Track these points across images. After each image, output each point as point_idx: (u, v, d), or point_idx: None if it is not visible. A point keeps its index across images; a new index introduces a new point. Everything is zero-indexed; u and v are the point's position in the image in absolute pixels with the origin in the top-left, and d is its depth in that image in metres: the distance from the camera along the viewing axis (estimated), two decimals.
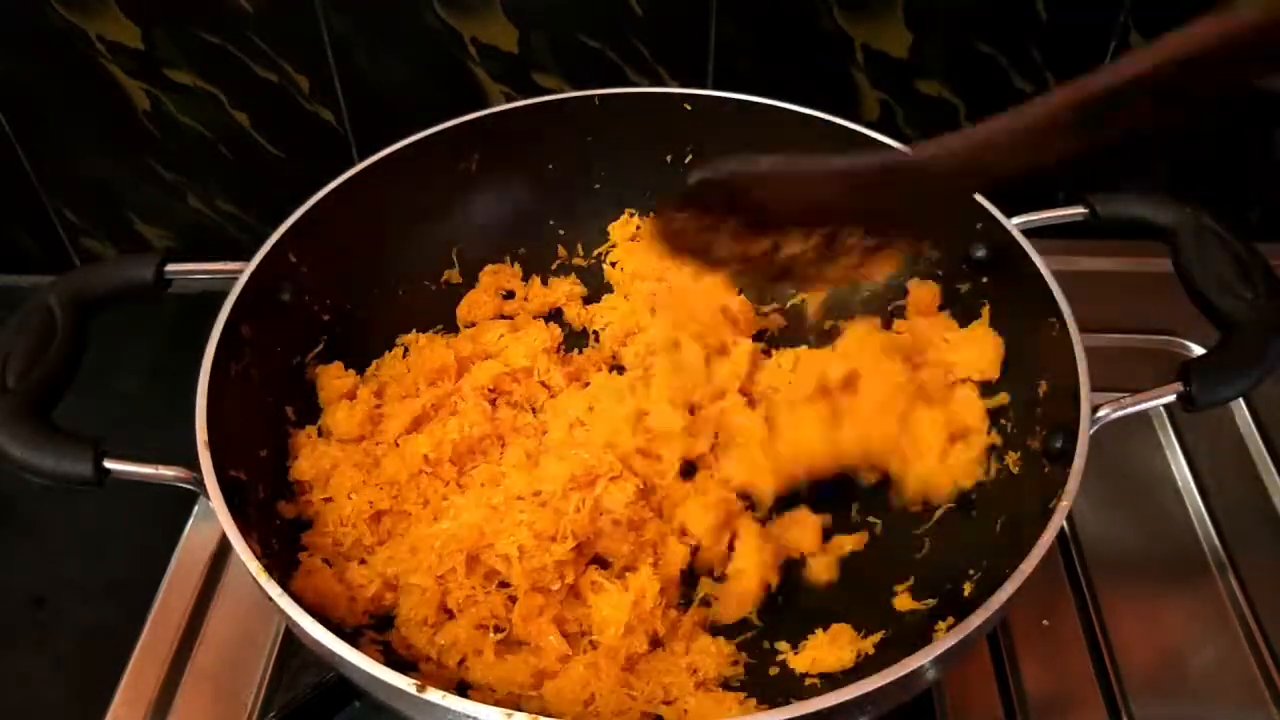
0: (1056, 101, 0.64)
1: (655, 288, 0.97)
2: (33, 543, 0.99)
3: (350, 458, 0.84)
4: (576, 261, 1.03)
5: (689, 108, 0.97)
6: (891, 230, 0.72)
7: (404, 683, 0.60)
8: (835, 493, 0.86)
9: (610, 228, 1.03)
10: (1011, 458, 0.82)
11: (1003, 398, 0.85)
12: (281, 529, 0.81)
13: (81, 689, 0.86)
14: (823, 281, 0.78)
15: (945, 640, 0.62)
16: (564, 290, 1.01)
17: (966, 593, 0.76)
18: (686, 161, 0.99)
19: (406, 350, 0.94)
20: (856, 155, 0.75)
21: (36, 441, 0.71)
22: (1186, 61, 0.61)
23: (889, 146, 0.88)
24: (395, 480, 0.83)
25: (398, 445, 0.86)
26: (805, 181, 0.72)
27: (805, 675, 0.75)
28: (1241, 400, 1.00)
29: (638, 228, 1.02)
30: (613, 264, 1.02)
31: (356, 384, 0.90)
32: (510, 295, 1.00)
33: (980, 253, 0.89)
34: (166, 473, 0.72)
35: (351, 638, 0.69)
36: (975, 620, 0.63)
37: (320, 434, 0.87)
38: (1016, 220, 0.85)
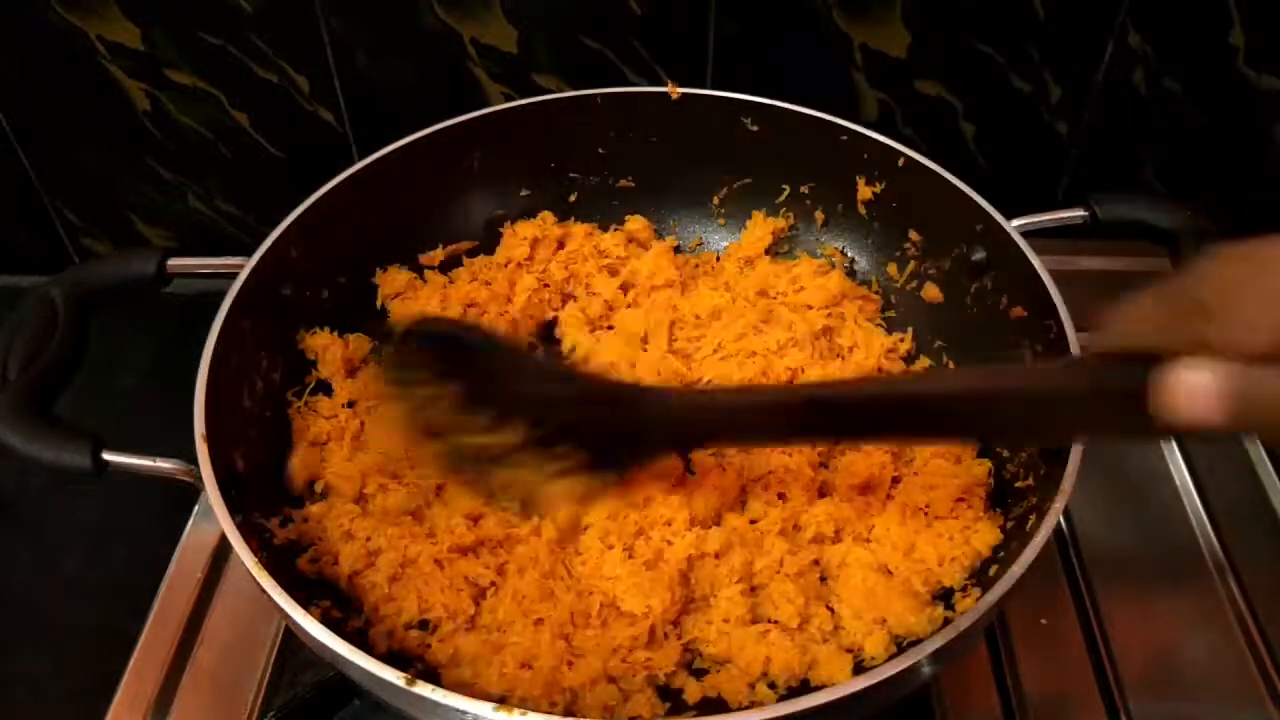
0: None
1: None
2: (33, 543, 0.99)
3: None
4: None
5: (689, 108, 0.98)
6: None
7: (393, 675, 0.61)
8: None
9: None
10: (1014, 454, 0.82)
11: None
12: (280, 525, 0.81)
13: (81, 689, 0.86)
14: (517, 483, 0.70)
15: (939, 638, 0.63)
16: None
17: (967, 593, 0.76)
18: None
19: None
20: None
21: (36, 433, 0.71)
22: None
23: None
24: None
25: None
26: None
27: None
28: None
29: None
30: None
31: (351, 351, 0.91)
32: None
33: (979, 255, 0.89)
34: (165, 465, 0.72)
35: (351, 637, 0.69)
36: (967, 620, 0.63)
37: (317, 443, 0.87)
38: (1016, 222, 0.85)
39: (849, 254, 1.00)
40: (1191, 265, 0.50)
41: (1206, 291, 0.49)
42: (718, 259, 1.03)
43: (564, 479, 0.68)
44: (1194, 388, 0.49)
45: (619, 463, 0.71)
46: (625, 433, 0.70)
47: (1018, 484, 0.80)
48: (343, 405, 0.89)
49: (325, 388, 0.90)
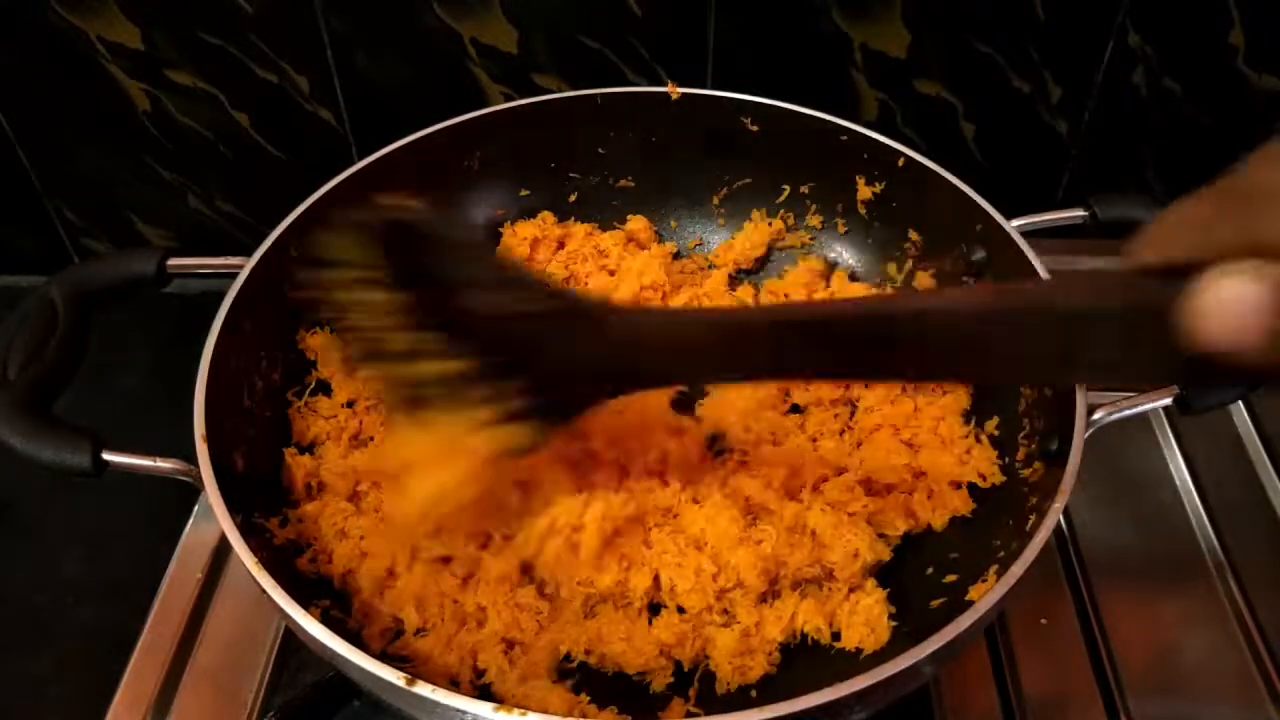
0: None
1: None
2: (33, 543, 0.99)
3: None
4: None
5: (689, 108, 0.98)
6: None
7: (393, 675, 0.61)
8: None
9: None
10: (1011, 458, 0.82)
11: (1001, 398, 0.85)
12: (280, 525, 0.81)
13: (81, 689, 0.86)
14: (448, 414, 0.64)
15: (937, 639, 0.62)
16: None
17: (970, 594, 0.76)
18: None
19: None
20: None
21: (36, 432, 0.71)
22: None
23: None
24: None
25: None
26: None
27: None
28: (1240, 400, 1.00)
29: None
30: None
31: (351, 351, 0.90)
32: None
33: (979, 255, 0.89)
34: (164, 465, 0.72)
35: (351, 637, 0.69)
36: (966, 620, 0.63)
37: (309, 449, 0.87)
38: (1016, 222, 0.85)
39: (849, 254, 1.00)
40: (1247, 158, 0.41)
41: (1260, 180, 0.41)
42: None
43: (504, 426, 0.62)
44: (1228, 298, 0.40)
45: (567, 406, 0.64)
46: (584, 355, 0.62)
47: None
48: (342, 405, 0.89)
49: (325, 388, 0.90)
